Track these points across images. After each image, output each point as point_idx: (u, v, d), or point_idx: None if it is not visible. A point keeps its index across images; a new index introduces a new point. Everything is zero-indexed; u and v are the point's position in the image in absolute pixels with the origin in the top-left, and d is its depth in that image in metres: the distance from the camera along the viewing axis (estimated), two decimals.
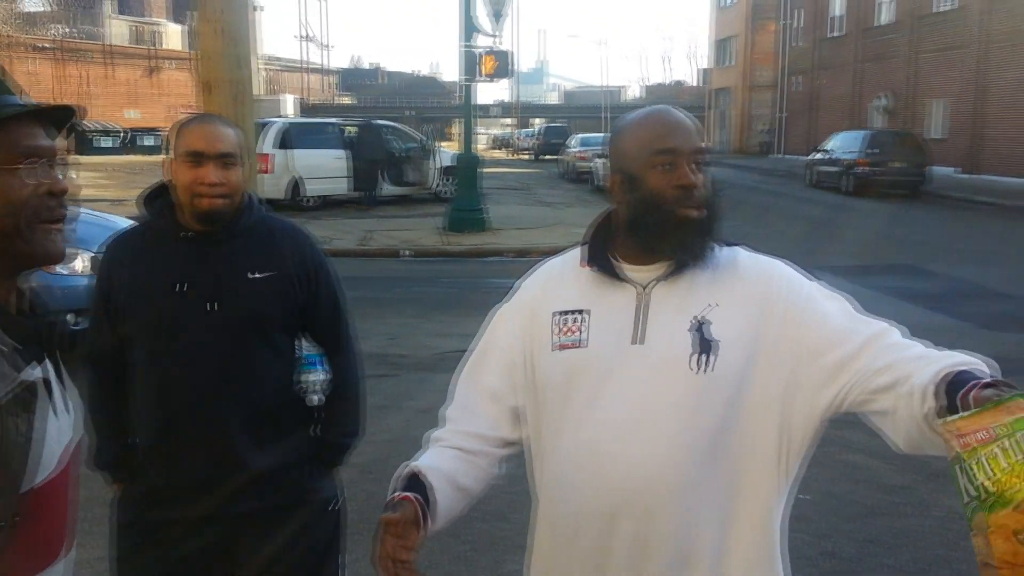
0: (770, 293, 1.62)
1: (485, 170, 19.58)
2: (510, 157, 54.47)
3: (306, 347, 2.33)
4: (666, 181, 1.59)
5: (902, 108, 31.87)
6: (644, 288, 1.64)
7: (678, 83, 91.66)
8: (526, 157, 52.01)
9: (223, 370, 2.19)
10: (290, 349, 2.31)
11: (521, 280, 1.83)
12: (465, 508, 1.70)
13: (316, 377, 2.31)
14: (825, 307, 1.61)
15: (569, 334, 1.65)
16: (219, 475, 2.20)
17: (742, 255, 1.70)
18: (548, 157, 44.86)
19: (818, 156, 26.98)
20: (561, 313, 1.68)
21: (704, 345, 1.57)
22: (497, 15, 15.52)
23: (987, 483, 1.09)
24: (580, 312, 1.66)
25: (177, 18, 62.17)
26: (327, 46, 71.79)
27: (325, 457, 2.38)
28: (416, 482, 1.56)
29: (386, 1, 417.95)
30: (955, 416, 1.17)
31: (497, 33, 15.51)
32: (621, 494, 1.56)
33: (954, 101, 28.68)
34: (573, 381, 1.62)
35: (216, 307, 2.17)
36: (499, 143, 68.76)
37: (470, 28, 15.19)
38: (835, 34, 38.24)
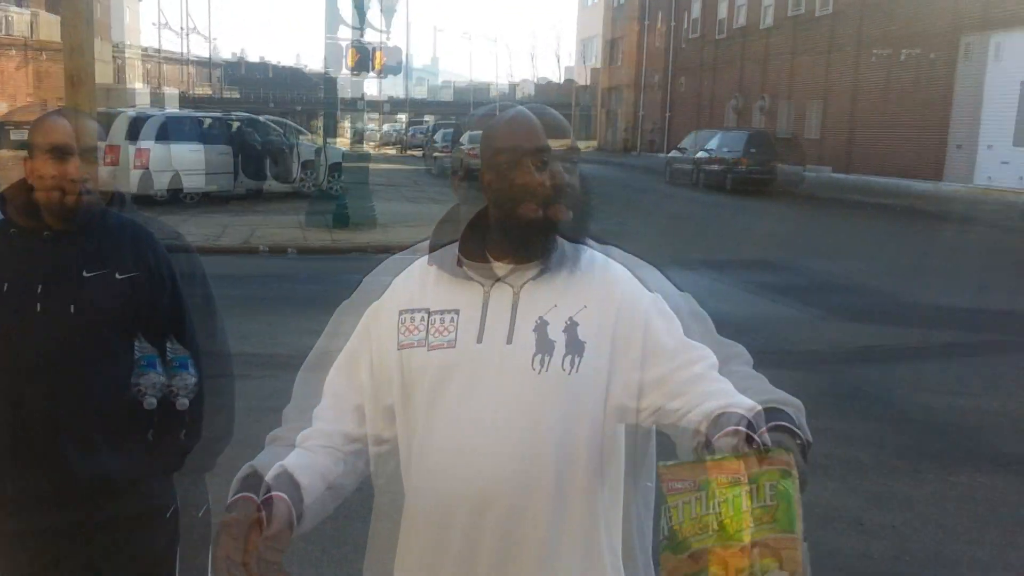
0: (626, 297, 1.65)
1: (374, 166, 19.42)
2: (401, 154, 54.04)
3: (144, 348, 2.25)
4: (509, 180, 1.61)
5: (779, 109, 33.15)
6: (515, 288, 1.65)
7: (569, 81, 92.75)
8: (417, 154, 51.71)
9: (57, 373, 2.12)
10: (128, 351, 2.23)
11: (369, 276, 1.82)
12: (330, 505, 1.67)
13: (154, 380, 2.23)
14: (659, 325, 1.64)
15: (440, 334, 1.64)
16: (57, 484, 2.13)
17: (614, 254, 1.72)
18: (439, 154, 44.67)
19: (676, 154, 27.98)
20: (436, 312, 1.67)
21: (572, 346, 1.60)
22: (386, 10, 15.41)
23: (675, 527, 1.18)
24: (451, 311, 1.66)
25: (50, 7, 59.14)
26: (207, 37, 69.47)
27: (165, 463, 2.31)
28: (256, 481, 1.52)
29: None
30: (671, 461, 1.24)
31: (386, 28, 15.41)
32: (487, 492, 1.58)
33: (828, 102, 29.99)
34: (443, 382, 1.62)
35: (48, 308, 2.10)
36: (390, 139, 68.12)
37: (358, 23, 15.04)
38: (718, 36, 39.44)
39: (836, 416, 6.12)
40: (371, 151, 19.14)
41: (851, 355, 7.90)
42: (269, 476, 1.53)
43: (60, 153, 2.08)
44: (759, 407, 1.42)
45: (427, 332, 1.65)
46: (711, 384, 1.56)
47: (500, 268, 1.66)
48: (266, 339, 7.96)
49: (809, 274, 12.12)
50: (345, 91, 22.71)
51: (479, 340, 1.62)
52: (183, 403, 2.26)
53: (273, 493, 1.49)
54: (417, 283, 1.72)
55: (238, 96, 64.95)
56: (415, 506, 1.68)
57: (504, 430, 1.58)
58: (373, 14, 15.28)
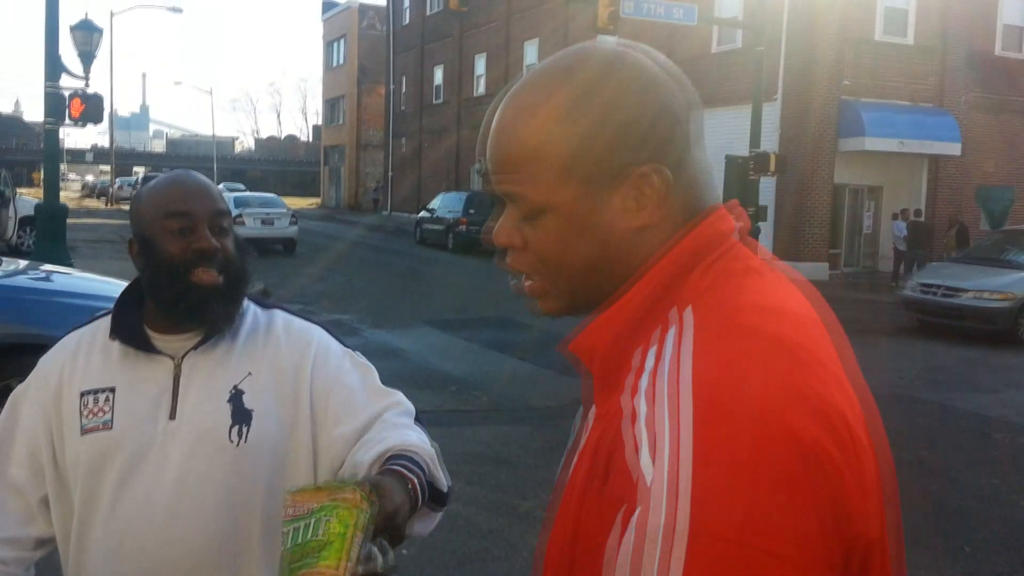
0: (305, 360, 1.63)
1: (76, 221, 17.91)
2: (108, 207, 50.37)
3: None
4: (181, 245, 1.53)
5: None
6: (176, 359, 1.57)
7: (291, 137, 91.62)
8: (126, 208, 48.48)
9: None
10: None
11: (46, 355, 1.67)
12: None
13: None
14: (351, 379, 1.65)
15: (94, 416, 1.54)
16: None
17: (279, 319, 1.68)
18: None
19: (424, 215, 28.51)
20: (89, 392, 1.56)
21: (239, 416, 1.54)
22: (84, 55, 14.36)
23: (283, 553, 1.17)
24: (105, 390, 1.55)
25: None
26: None
27: None
28: None
29: None
30: (296, 488, 1.24)
31: (85, 75, 14.32)
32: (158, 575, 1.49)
33: None
34: (101, 466, 1.52)
35: None
36: (96, 191, 63.37)
37: (55, 67, 13.87)
38: (437, 101, 40.77)
39: (553, 467, 6.34)
40: (70, 204, 17.48)
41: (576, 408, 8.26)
42: None
43: None
44: (393, 450, 1.46)
45: (106, 414, 1.54)
46: (397, 430, 1.56)
47: (159, 340, 1.58)
48: None
49: (540, 331, 12.65)
50: (41, 138, 20.83)
51: (137, 418, 1.53)
52: None
53: None
54: (98, 359, 1.60)
55: None
56: None
57: (166, 517, 1.49)
58: (71, 58, 14.20)
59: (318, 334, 1.68)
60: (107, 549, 1.50)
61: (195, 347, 1.57)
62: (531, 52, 32.18)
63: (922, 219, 19.95)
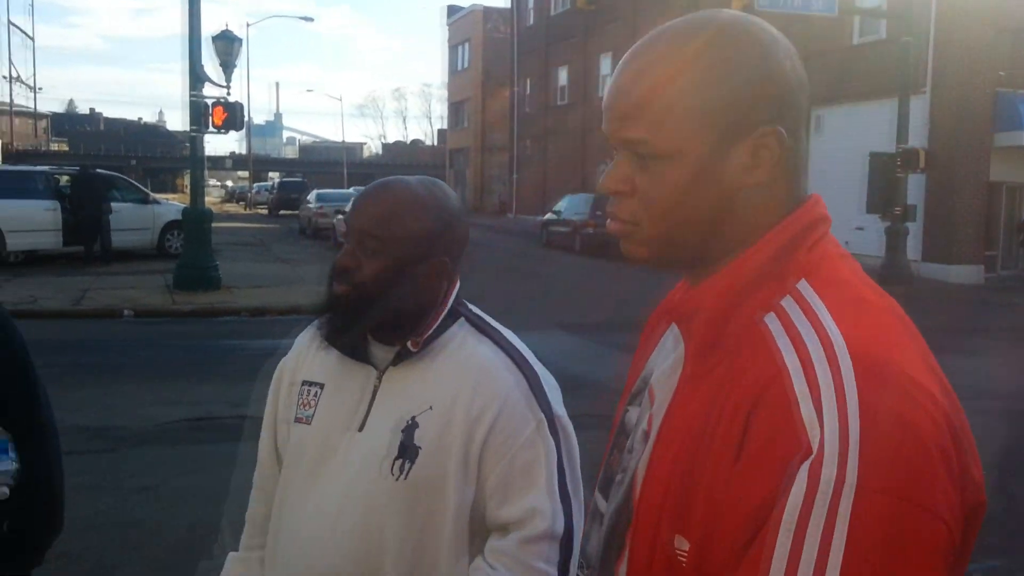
0: (486, 414, 1.50)
1: (217, 224, 18.65)
2: (245, 211, 52.65)
3: None
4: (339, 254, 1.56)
5: None
6: (379, 371, 1.55)
7: (416, 142, 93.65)
8: (263, 211, 50.54)
9: None
10: None
11: (301, 334, 1.74)
12: None
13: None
14: (521, 458, 1.50)
15: (304, 408, 1.58)
16: None
17: (481, 355, 1.55)
18: (285, 212, 43.82)
19: (550, 217, 28.34)
20: (307, 383, 1.61)
21: (406, 450, 1.48)
22: (225, 65, 14.92)
23: None
24: (316, 385, 1.59)
25: None
26: (31, 87, 65.63)
27: (14, 559, 1.97)
28: None
29: (108, 45, 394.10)
30: None
31: (227, 83, 14.88)
32: None
33: None
34: (297, 459, 1.56)
35: None
36: (234, 196, 66.42)
37: (198, 77, 14.47)
38: (561, 102, 40.70)
39: None
40: (212, 208, 18.11)
41: None
42: None
43: None
44: None
45: (311, 409, 1.57)
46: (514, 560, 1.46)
47: (374, 346, 1.56)
48: (100, 410, 7.29)
49: None
50: (185, 146, 21.86)
51: (333, 421, 1.54)
52: (2, 492, 1.89)
53: None
54: (319, 353, 1.62)
55: (67, 148, 61.69)
56: None
57: (336, 527, 1.49)
58: (212, 68, 14.76)
59: (512, 388, 1.52)
60: (288, 538, 1.54)
61: (395, 362, 1.54)
62: None
63: None
